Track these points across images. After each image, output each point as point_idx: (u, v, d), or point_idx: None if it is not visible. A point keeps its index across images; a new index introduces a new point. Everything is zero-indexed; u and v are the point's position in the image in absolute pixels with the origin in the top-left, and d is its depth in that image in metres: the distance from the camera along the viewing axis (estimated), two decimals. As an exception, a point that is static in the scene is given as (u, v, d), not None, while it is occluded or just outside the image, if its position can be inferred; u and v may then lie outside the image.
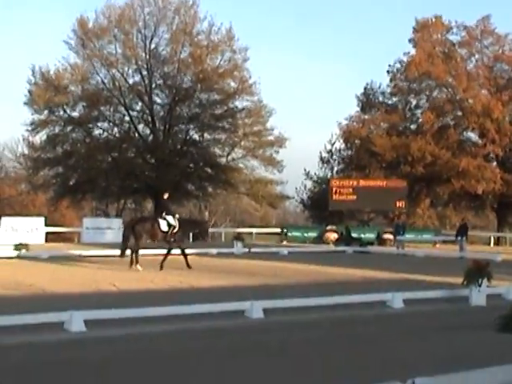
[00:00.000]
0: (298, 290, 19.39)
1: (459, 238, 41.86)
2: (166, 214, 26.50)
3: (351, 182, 52.26)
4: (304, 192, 64.88)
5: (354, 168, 60.82)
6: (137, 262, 25.58)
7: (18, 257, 30.70)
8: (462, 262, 27.47)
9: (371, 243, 45.22)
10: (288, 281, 23.32)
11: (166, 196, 27.80)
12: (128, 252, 26.20)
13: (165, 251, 26.48)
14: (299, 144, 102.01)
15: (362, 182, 52.01)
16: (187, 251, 26.99)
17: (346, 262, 31.37)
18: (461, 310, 17.54)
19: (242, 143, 60.12)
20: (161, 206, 27.33)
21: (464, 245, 41.20)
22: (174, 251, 26.61)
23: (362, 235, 47.64)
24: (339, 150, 63.99)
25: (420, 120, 59.87)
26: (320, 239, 48.51)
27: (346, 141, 62.66)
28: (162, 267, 25.37)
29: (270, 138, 60.39)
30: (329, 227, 50.16)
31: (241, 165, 60.66)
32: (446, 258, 35.97)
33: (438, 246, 49.25)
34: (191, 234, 29.57)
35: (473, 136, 60.68)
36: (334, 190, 51.57)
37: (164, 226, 26.17)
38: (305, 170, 64.72)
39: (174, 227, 26.27)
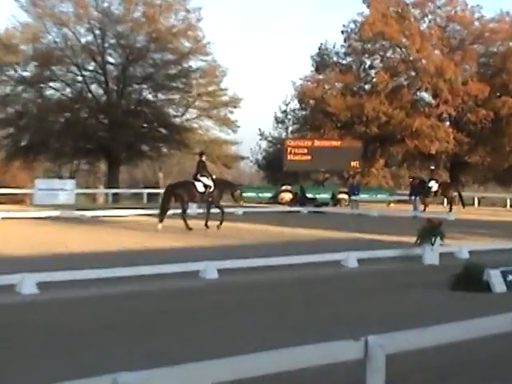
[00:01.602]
0: (252, 251, 19.34)
1: (413, 197, 42.18)
2: (202, 176, 27.08)
3: (306, 143, 52.25)
4: (259, 152, 65.06)
5: (308, 128, 60.85)
6: (185, 223, 26.14)
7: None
8: (415, 221, 27.68)
9: (326, 203, 45.33)
10: (243, 241, 23.26)
11: (203, 158, 28.34)
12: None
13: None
14: (254, 104, 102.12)
15: (317, 142, 52.01)
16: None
17: (301, 223, 31.45)
18: (414, 268, 17.70)
19: (197, 103, 59.98)
20: (197, 167, 27.61)
21: (418, 204, 41.44)
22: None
23: (317, 195, 47.71)
24: (294, 110, 64.12)
25: (374, 80, 60.06)
26: (275, 199, 48.50)
27: (300, 101, 62.74)
28: (207, 226, 26.52)
29: (225, 98, 60.36)
30: (284, 187, 50.03)
31: (195, 125, 60.67)
32: (400, 217, 36.21)
33: (392, 205, 49.57)
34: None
35: (426, 96, 61.18)
36: (288, 150, 51.48)
37: (200, 187, 26.85)
38: (259, 130, 64.76)
39: (210, 187, 27.02)
